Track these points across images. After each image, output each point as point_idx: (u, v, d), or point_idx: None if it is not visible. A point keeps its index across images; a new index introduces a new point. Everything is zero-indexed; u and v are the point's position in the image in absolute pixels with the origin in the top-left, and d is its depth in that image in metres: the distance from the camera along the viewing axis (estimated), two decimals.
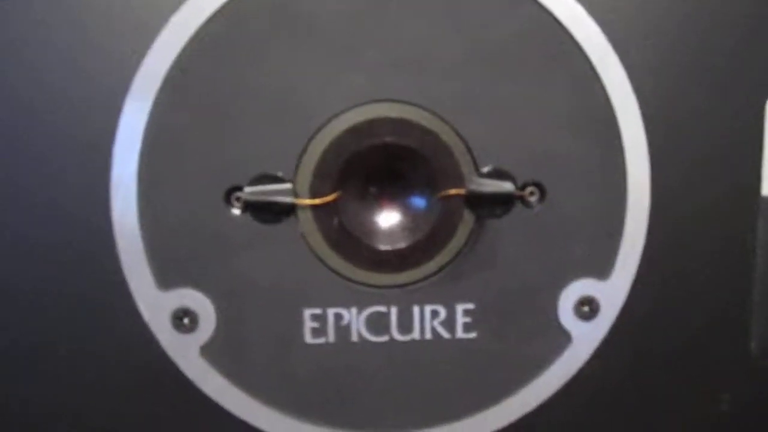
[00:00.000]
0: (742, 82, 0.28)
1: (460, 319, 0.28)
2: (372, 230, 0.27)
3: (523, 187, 0.27)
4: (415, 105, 0.27)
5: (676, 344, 0.29)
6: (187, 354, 0.27)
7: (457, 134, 0.27)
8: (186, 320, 0.27)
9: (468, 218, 0.27)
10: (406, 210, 0.27)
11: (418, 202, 0.27)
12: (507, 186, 0.27)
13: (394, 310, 0.27)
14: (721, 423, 0.30)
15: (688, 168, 0.28)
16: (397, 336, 0.28)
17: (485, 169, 0.27)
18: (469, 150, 0.27)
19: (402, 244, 0.27)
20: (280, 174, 0.27)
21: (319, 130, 0.26)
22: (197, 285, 0.27)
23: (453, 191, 0.27)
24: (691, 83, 0.28)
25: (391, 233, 0.27)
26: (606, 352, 0.28)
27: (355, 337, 0.27)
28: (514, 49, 0.27)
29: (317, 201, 0.27)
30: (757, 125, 0.28)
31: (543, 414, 0.28)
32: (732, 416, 0.30)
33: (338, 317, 0.27)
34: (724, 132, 0.28)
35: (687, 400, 0.29)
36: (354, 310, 0.27)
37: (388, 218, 0.27)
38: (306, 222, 0.27)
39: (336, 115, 0.27)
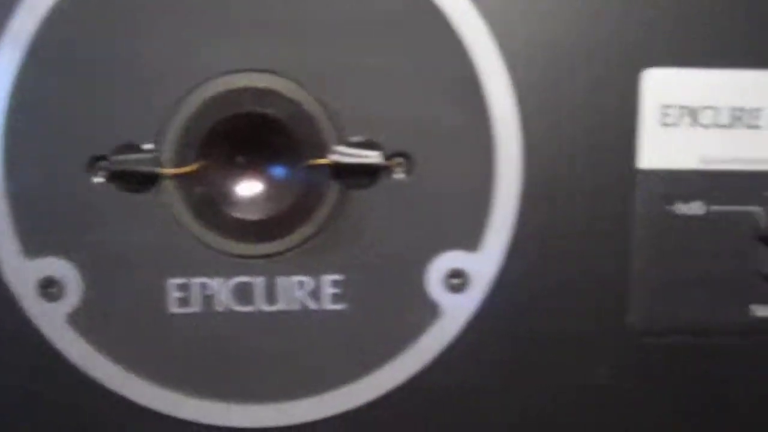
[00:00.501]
0: (617, 52, 0.28)
1: (328, 290, 0.28)
2: (236, 200, 0.27)
3: (389, 158, 0.27)
4: (279, 74, 0.27)
5: (551, 318, 0.29)
6: (53, 322, 0.27)
7: (322, 104, 0.27)
8: (52, 289, 0.27)
9: (334, 188, 0.27)
10: (271, 180, 0.27)
11: (283, 171, 0.27)
12: (372, 156, 0.27)
13: (259, 281, 0.27)
14: (599, 397, 0.29)
15: (560, 140, 0.28)
16: (264, 306, 0.27)
17: (351, 139, 0.27)
18: (335, 120, 0.27)
19: (266, 214, 0.27)
20: (144, 143, 0.27)
21: (182, 99, 0.26)
22: (63, 253, 0.27)
23: (317, 161, 0.27)
24: (564, 54, 0.28)
25: (255, 203, 0.27)
26: (478, 325, 0.28)
27: (220, 307, 0.27)
28: (380, 19, 0.27)
29: (180, 170, 0.27)
30: (632, 96, 0.28)
31: (414, 387, 0.28)
32: (610, 390, 0.29)
33: (203, 287, 0.27)
34: (598, 103, 0.28)
35: (564, 374, 0.29)
36: (219, 280, 0.27)
37: (252, 188, 0.27)
38: (170, 191, 0.27)
39: (199, 84, 0.26)
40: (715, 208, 0.29)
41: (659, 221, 0.29)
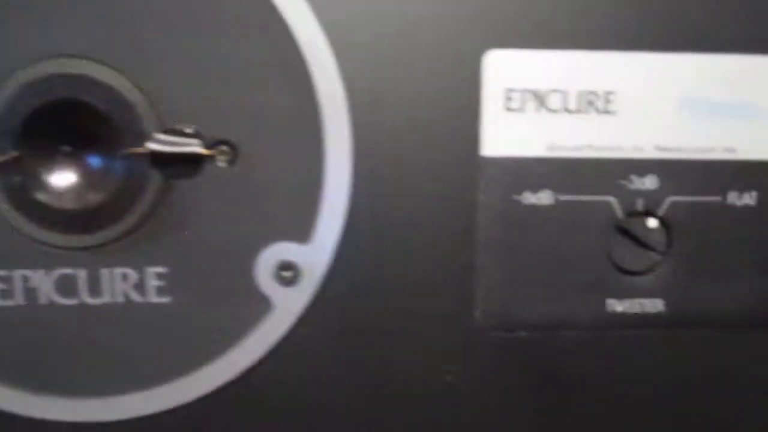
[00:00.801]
0: (457, 31, 0.26)
1: (152, 283, 0.27)
2: (54, 190, 0.26)
3: (212, 146, 0.26)
4: (97, 60, 0.26)
5: (390, 312, 0.28)
6: None
7: (142, 91, 0.26)
8: None
9: (156, 178, 0.26)
10: (91, 169, 0.26)
11: (101, 160, 0.26)
12: (192, 144, 0.26)
13: (82, 273, 0.26)
14: (445, 394, 0.28)
15: (395, 125, 0.27)
16: (88, 299, 0.27)
17: (171, 128, 0.26)
18: (155, 107, 0.26)
19: (86, 204, 0.26)
20: None
21: None
22: None
23: (135, 150, 0.26)
24: (397, 35, 0.26)
25: (74, 193, 0.26)
26: (311, 319, 0.27)
27: (43, 300, 0.27)
28: (201, 3, 0.26)
29: None
30: (474, 79, 0.27)
31: (246, 382, 0.27)
32: (458, 387, 0.28)
33: (25, 279, 0.26)
34: (438, 87, 0.26)
35: (405, 370, 0.28)
36: (41, 273, 0.26)
37: (71, 178, 0.26)
38: None
39: (15, 71, 0.26)
40: (565, 197, 0.27)
41: (505, 211, 0.27)
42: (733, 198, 0.28)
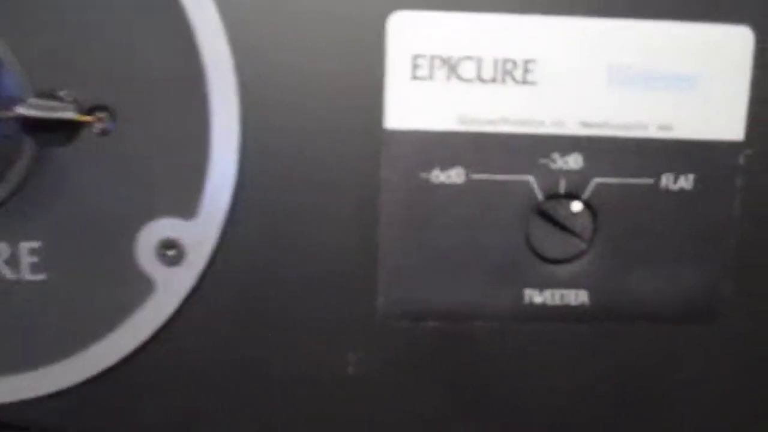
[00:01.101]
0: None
1: (26, 259, 0.25)
2: None
3: (89, 111, 0.24)
4: None
5: (285, 296, 0.25)
6: None
7: (14, 54, 0.24)
8: None
9: (28, 145, 0.24)
10: None
11: None
12: (66, 110, 0.24)
13: None
14: (346, 385, 0.26)
15: (290, 93, 0.24)
16: None
17: (43, 92, 0.24)
18: (29, 72, 0.24)
19: None
20: None
21: None
22: None
23: (4, 114, 0.24)
24: None
25: None
26: (197, 301, 0.25)
27: None
28: None
29: None
30: (378, 44, 0.24)
31: (130, 365, 0.25)
32: (359, 378, 0.26)
33: None
34: (336, 51, 0.24)
35: (302, 358, 0.26)
36: None
37: None
38: None
39: None
40: (479, 176, 0.25)
41: (411, 190, 0.25)
42: (668, 181, 0.25)
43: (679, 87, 0.25)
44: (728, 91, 0.25)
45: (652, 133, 0.25)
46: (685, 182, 0.25)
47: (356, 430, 0.26)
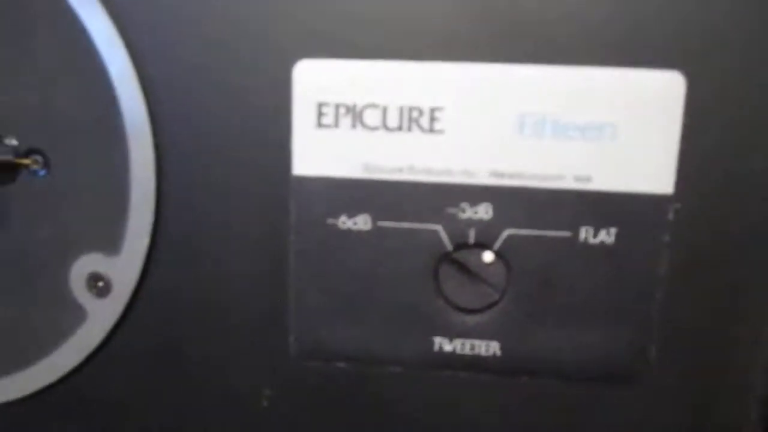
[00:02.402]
0: (267, 40, 0.24)
1: None
2: None
3: (26, 154, 0.26)
4: None
5: (205, 329, 0.26)
6: None
7: None
8: None
9: None
10: None
11: None
12: (5, 153, 0.26)
13: None
14: (260, 419, 0.27)
15: (202, 139, 0.25)
16: None
17: None
18: None
19: None
20: None
21: None
22: None
23: None
24: (204, 41, 0.24)
25: None
26: (124, 330, 0.27)
27: None
28: (9, 13, 0.25)
29: None
30: (285, 92, 0.24)
31: (63, 388, 0.28)
32: (272, 413, 0.27)
33: None
34: (248, 98, 0.24)
35: (220, 389, 0.27)
36: None
37: None
38: None
39: None
40: (385, 223, 0.25)
41: (319, 235, 0.25)
42: (587, 234, 0.24)
43: (597, 136, 0.23)
44: (656, 141, 0.23)
45: (569, 184, 0.24)
46: (607, 236, 0.24)
47: None
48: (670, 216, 0.24)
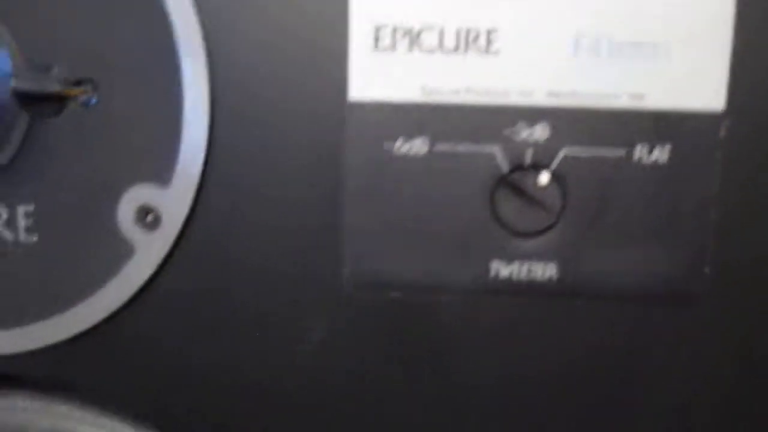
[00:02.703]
0: None
1: (22, 221, 0.27)
2: None
3: (74, 85, 0.26)
4: None
5: (255, 264, 0.26)
6: None
7: (10, 32, 0.26)
8: None
9: (22, 117, 0.26)
10: None
11: None
12: (54, 84, 0.25)
13: None
14: (311, 354, 0.27)
15: (256, 63, 0.25)
16: None
17: (33, 65, 0.26)
18: (19, 45, 0.26)
19: None
20: None
21: None
22: None
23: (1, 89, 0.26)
24: None
25: None
26: (173, 265, 0.26)
27: None
28: None
29: None
30: (342, 15, 0.25)
31: (110, 327, 0.27)
32: (324, 348, 0.27)
33: None
34: (305, 22, 0.25)
35: (270, 324, 0.27)
36: None
37: None
38: None
39: None
40: (442, 147, 0.25)
41: (375, 162, 0.25)
42: (641, 152, 0.24)
43: (651, 54, 0.24)
44: (708, 58, 0.24)
45: (624, 102, 0.24)
46: (660, 154, 0.24)
47: (321, 397, 0.27)
48: (722, 133, 0.24)
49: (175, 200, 0.26)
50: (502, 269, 0.26)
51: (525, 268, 0.25)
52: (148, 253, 0.26)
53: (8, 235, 0.27)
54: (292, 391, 0.27)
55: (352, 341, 0.26)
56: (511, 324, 0.26)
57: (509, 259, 0.25)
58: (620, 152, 0.24)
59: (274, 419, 0.27)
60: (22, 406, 0.30)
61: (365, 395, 0.27)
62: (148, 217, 0.26)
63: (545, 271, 0.25)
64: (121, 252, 0.26)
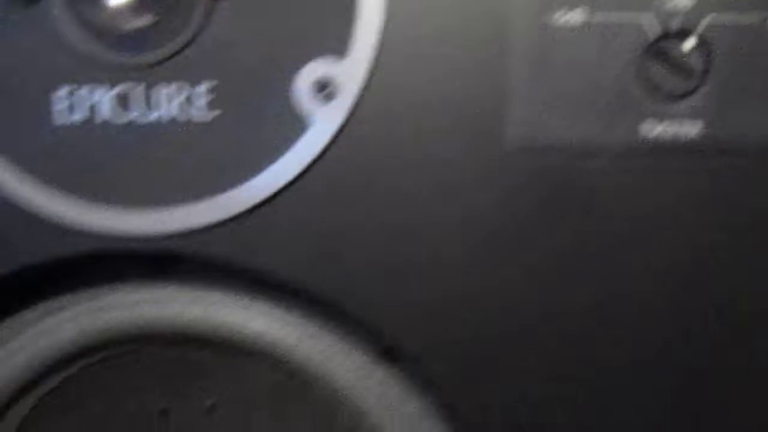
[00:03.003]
0: None
1: (203, 98, 0.28)
2: (110, 9, 0.28)
3: None
4: None
5: (422, 132, 0.28)
6: None
7: None
8: None
9: None
10: None
11: None
12: None
13: (139, 89, 0.28)
14: (478, 218, 0.29)
15: None
16: (142, 115, 0.28)
17: None
18: None
19: (140, 23, 0.28)
20: None
21: None
22: None
23: None
24: None
25: (130, 10, 0.28)
26: (347, 136, 0.28)
27: (102, 117, 0.28)
28: None
29: None
30: None
31: (282, 200, 0.28)
32: (489, 211, 0.29)
33: (81, 98, 0.28)
34: None
35: (434, 191, 0.29)
36: (100, 91, 0.28)
37: None
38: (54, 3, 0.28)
39: None
40: (597, 16, 0.28)
41: (536, 31, 0.28)
42: None
43: None
44: None
45: None
46: None
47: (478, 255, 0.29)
48: None
49: (352, 70, 0.28)
50: (650, 130, 0.28)
51: (673, 127, 0.28)
52: (323, 126, 0.28)
53: (188, 111, 0.28)
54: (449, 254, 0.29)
55: (510, 201, 0.29)
56: (660, 187, 0.28)
57: (657, 119, 0.28)
58: (763, 16, 0.27)
59: (441, 283, 0.29)
60: (173, 296, 0.31)
61: (520, 257, 0.29)
62: (324, 90, 0.28)
63: (693, 129, 0.28)
64: (295, 126, 0.28)
